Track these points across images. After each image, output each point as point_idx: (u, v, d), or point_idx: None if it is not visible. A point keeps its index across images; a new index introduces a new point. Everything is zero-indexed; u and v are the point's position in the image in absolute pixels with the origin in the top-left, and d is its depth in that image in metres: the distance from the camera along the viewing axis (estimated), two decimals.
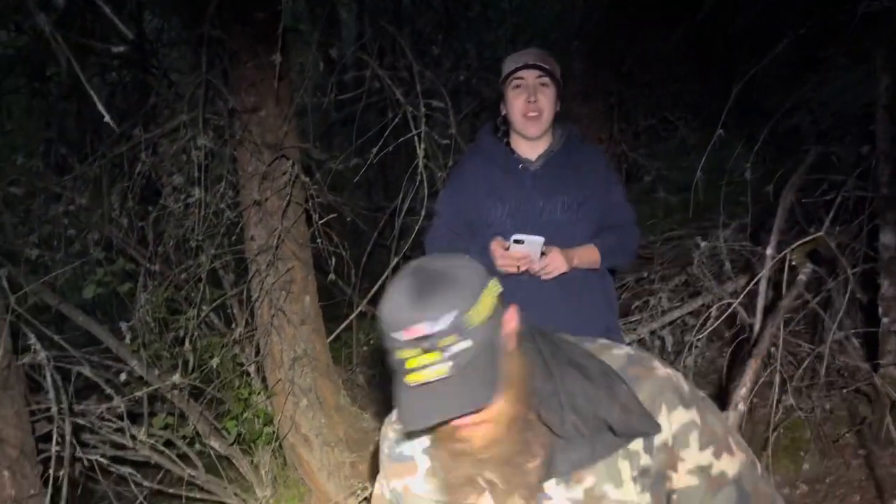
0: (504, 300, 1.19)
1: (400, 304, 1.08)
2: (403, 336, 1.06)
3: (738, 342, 2.88)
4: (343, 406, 3.62)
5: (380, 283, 3.63)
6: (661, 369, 1.24)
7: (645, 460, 1.19)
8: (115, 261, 3.37)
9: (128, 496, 3.25)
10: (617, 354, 1.27)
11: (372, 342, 4.42)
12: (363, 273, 3.88)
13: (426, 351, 1.06)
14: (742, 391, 2.24)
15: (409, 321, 1.06)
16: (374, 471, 3.32)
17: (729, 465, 1.21)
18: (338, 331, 3.79)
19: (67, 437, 2.47)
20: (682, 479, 1.20)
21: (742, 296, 2.76)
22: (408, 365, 1.07)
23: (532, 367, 1.21)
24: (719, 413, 1.27)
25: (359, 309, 3.79)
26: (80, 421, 2.89)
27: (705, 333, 2.84)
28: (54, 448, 2.63)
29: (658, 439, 1.17)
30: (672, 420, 1.18)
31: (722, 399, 3.02)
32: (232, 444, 3.42)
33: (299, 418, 3.39)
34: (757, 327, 2.65)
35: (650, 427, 1.16)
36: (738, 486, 1.22)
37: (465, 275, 1.12)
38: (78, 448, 2.85)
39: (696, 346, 2.97)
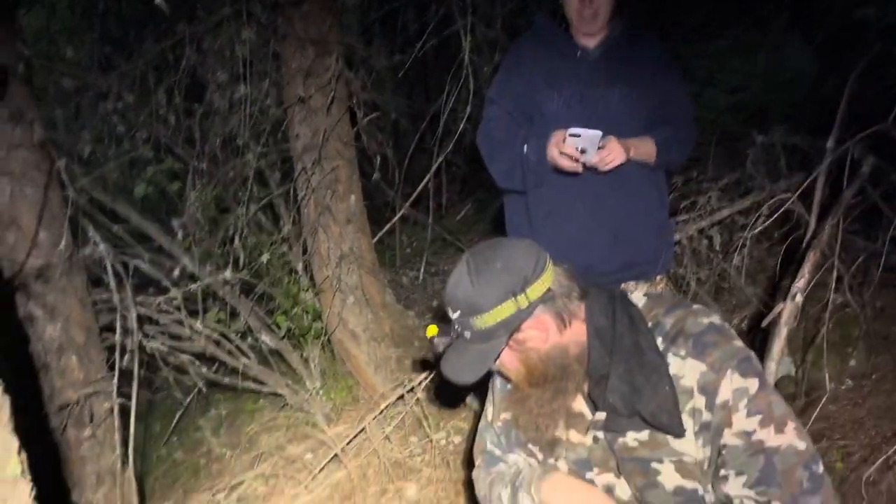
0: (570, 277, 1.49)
1: (448, 284, 1.48)
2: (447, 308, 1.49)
3: (791, 240, 2.84)
4: (388, 303, 3.70)
5: (421, 186, 3.62)
6: (739, 343, 1.38)
7: (706, 416, 1.34)
8: (164, 160, 3.40)
9: (187, 384, 3.41)
10: (701, 322, 1.40)
11: (415, 244, 4.46)
12: (405, 176, 3.87)
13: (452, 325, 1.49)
14: (800, 283, 2.21)
15: (446, 301, 1.48)
16: (418, 366, 3.43)
17: (771, 438, 1.31)
18: (380, 233, 3.82)
19: (133, 323, 2.56)
20: (730, 437, 1.33)
21: (798, 192, 2.69)
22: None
23: (592, 347, 1.45)
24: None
25: (401, 212, 3.81)
26: (141, 310, 2.99)
27: (756, 231, 2.80)
28: (118, 336, 2.74)
29: (719, 398, 1.32)
30: (733, 382, 1.32)
31: (773, 296, 3.01)
32: (282, 339, 3.53)
33: (346, 315, 3.48)
34: (813, 223, 2.60)
35: (676, 429, 1.35)
36: (769, 459, 1.31)
37: (496, 281, 1.41)
38: (139, 336, 2.96)
39: (745, 245, 2.94)
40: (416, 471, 3.04)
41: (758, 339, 2.65)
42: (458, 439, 3.16)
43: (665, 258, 2.45)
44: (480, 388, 3.05)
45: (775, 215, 2.72)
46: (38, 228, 2.60)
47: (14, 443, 1.09)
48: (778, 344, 2.15)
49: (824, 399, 2.40)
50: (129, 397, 2.54)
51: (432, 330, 1.56)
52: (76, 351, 2.76)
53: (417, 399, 3.22)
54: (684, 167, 3.40)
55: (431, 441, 3.12)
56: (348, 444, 3.17)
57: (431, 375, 3.24)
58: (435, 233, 4.68)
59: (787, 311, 2.16)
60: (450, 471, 3.01)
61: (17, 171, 2.54)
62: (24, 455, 1.11)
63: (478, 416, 3.19)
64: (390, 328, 3.61)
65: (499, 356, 1.47)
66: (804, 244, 2.58)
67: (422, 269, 4.37)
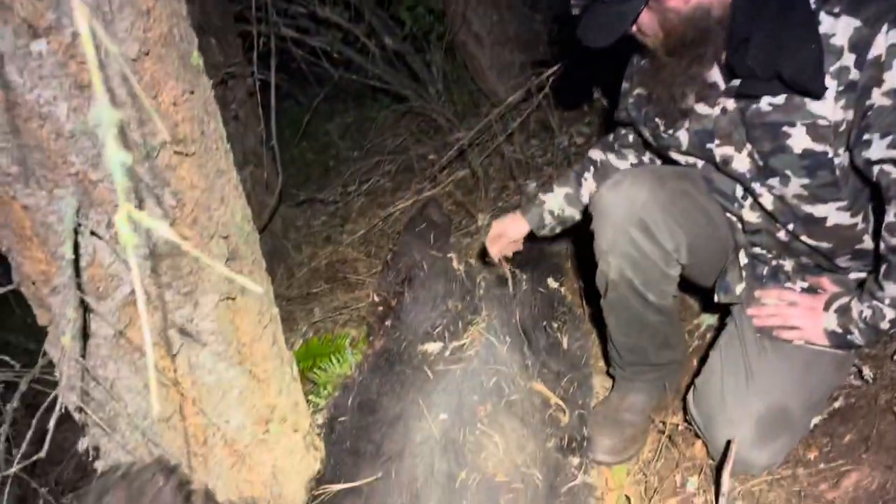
0: None
1: None
2: None
3: None
4: (515, 5, 3.51)
5: None
6: None
7: (854, 75, 1.25)
8: None
9: (314, 91, 3.52)
10: None
11: None
12: None
13: None
14: None
15: None
16: (542, 70, 3.32)
17: None
18: None
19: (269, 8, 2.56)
20: (879, 97, 1.24)
21: None
22: None
23: (737, 7, 1.33)
24: None
25: None
26: None
27: None
28: (254, 20, 2.78)
29: (871, 54, 1.21)
30: (889, 38, 1.21)
31: None
32: (405, 40, 3.48)
33: (470, 15, 3.35)
34: None
35: (817, 89, 1.27)
36: None
37: None
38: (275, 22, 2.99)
39: None
40: (538, 169, 3.11)
41: None
42: (580, 140, 3.15)
43: None
44: (607, 85, 2.98)
45: None
46: None
47: None
48: None
49: None
50: (267, 79, 2.64)
51: None
52: (214, 33, 2.83)
53: (540, 102, 3.17)
54: None
55: (554, 142, 3.13)
56: (471, 144, 3.24)
57: (556, 76, 3.15)
58: None
59: None
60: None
61: None
62: None
63: (604, 112, 3.15)
64: (515, 32, 3.47)
65: (637, 17, 1.38)
66: None
67: None
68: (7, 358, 1.45)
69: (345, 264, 3.05)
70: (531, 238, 2.04)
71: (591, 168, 1.93)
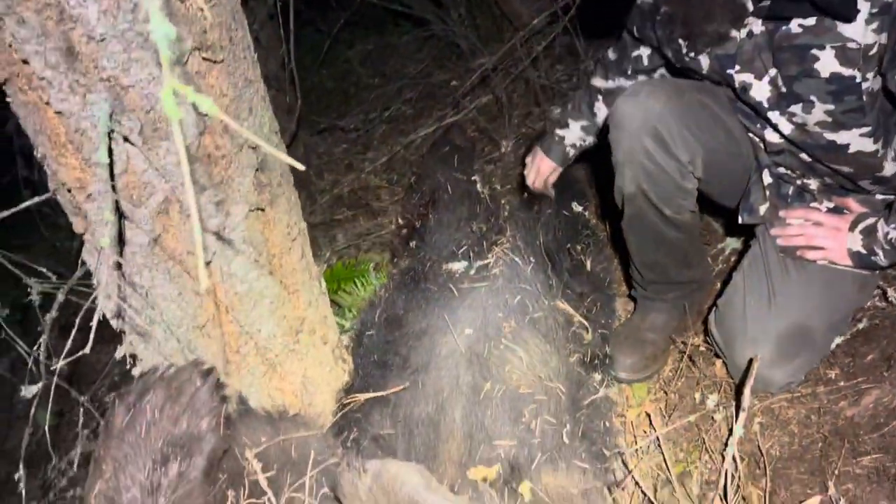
0: None
1: None
2: None
3: None
4: None
5: None
6: None
7: None
8: None
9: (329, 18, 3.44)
10: None
11: None
12: None
13: None
14: None
15: None
16: None
17: None
18: None
19: None
20: None
21: None
22: None
23: None
24: None
25: None
26: None
27: None
28: None
29: None
30: None
31: None
32: None
33: None
34: None
35: (848, 11, 1.22)
36: None
37: None
38: None
39: None
40: (563, 95, 3.05)
41: None
42: None
43: None
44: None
45: None
46: None
47: None
48: None
49: None
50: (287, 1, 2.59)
51: None
52: None
53: (566, 26, 3.08)
54: None
55: (580, 67, 3.06)
56: (495, 69, 3.17)
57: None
58: None
59: None
60: None
61: None
62: None
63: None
64: None
65: None
66: None
67: None
68: (44, 270, 1.49)
69: (367, 191, 3.06)
70: None
71: (599, 97, 1.90)
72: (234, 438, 1.15)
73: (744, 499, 1.45)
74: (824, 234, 1.55)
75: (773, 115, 1.47)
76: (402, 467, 1.05)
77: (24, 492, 1.45)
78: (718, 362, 1.76)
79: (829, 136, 1.43)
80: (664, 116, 1.49)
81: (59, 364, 0.95)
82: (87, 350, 0.93)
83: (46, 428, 1.33)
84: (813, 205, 1.63)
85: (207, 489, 1.06)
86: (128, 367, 1.37)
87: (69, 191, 1.12)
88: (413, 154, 3.13)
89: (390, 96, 3.65)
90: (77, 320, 1.12)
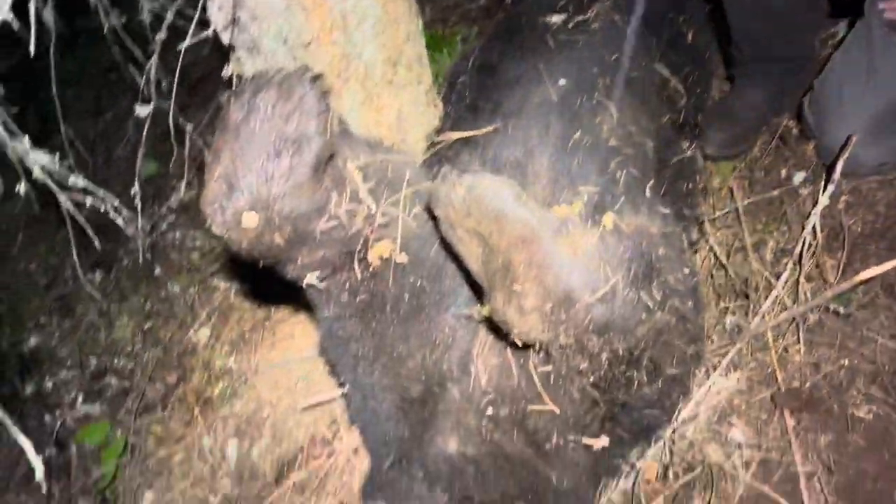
0: None
1: None
2: None
3: None
4: None
5: None
6: None
7: None
8: None
9: None
10: None
11: None
12: None
13: None
14: None
15: None
16: None
17: None
18: None
19: None
20: None
21: None
22: None
23: None
24: None
25: None
26: None
27: None
28: None
29: None
30: None
31: None
32: None
33: None
34: None
35: None
36: None
37: None
38: None
39: None
40: None
41: None
42: None
43: None
44: None
45: None
46: None
47: None
48: None
49: None
50: None
51: None
52: None
53: None
54: None
55: None
56: None
57: None
58: None
59: None
60: None
61: None
62: None
63: None
64: None
65: None
66: None
67: None
68: None
69: None
70: None
71: None
72: (337, 148, 1.21)
73: (817, 266, 1.49)
74: None
75: None
76: (495, 181, 1.10)
77: (139, 206, 1.58)
78: (810, 145, 1.72)
79: None
80: None
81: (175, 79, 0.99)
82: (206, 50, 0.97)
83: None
84: None
85: (314, 186, 1.15)
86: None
87: None
88: None
89: None
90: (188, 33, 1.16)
